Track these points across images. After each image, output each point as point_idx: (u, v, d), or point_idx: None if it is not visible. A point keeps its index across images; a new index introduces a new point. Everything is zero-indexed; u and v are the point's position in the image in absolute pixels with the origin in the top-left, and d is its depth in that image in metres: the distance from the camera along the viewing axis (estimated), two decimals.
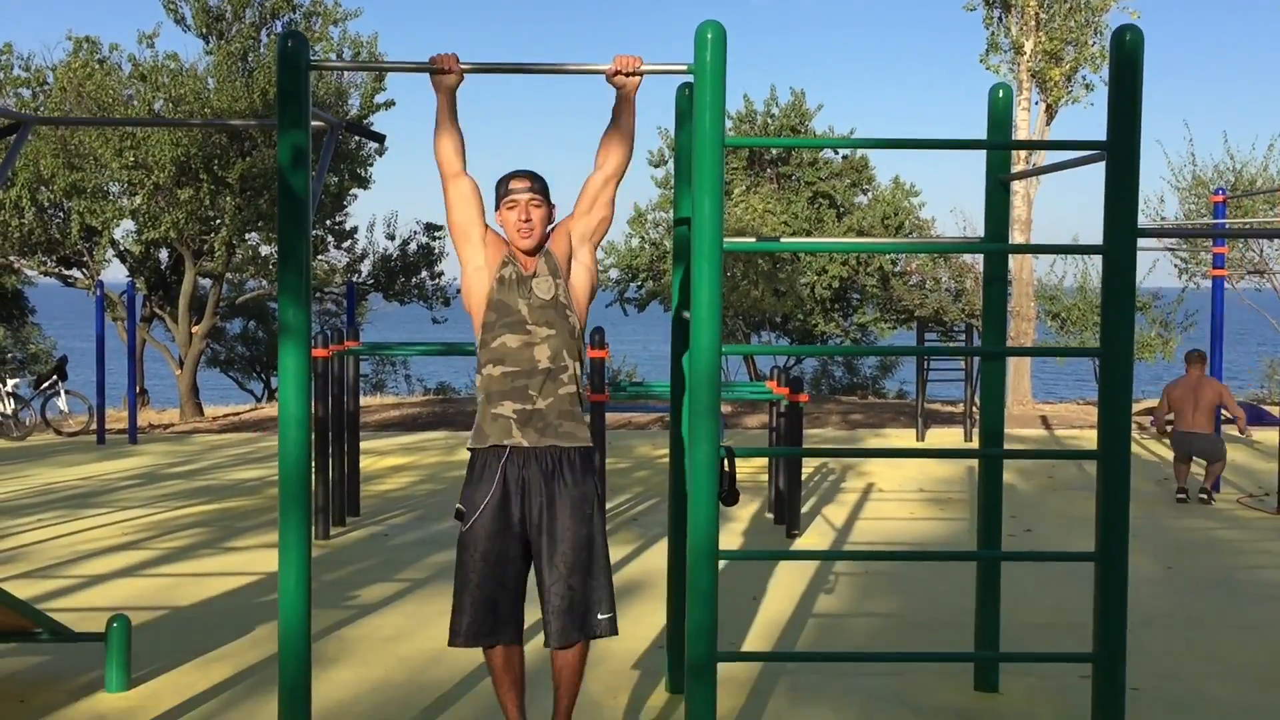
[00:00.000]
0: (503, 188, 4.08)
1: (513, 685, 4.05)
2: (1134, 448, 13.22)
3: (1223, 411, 10.54)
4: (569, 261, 4.09)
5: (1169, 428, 10.72)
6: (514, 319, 3.96)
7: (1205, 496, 10.07)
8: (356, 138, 18.94)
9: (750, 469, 11.33)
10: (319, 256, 21.19)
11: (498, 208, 4.08)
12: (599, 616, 3.94)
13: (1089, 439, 14.02)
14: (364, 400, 18.95)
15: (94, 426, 15.33)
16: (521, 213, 4.00)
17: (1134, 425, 15.46)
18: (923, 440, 14.50)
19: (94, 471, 12.16)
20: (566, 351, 3.98)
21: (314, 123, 4.29)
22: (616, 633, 3.99)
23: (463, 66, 4.03)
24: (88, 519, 9.29)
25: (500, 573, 3.93)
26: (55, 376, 16.92)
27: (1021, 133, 18.58)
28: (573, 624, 3.90)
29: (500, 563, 3.92)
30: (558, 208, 4.16)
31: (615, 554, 8.00)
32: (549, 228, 4.11)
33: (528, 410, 3.93)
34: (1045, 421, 16.70)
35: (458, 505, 3.97)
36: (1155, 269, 22.13)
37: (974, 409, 14.16)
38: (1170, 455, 11.02)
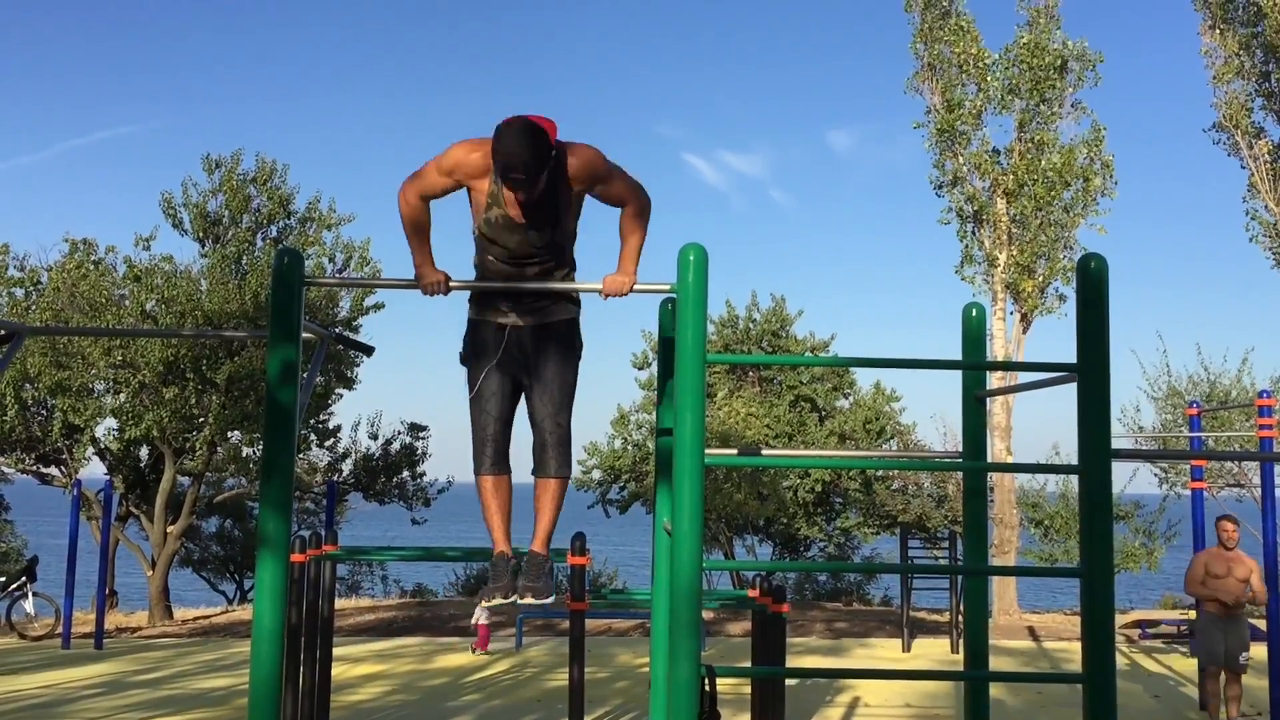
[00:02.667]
0: (499, 164, 4.08)
1: (500, 508, 4.51)
2: (1123, 662, 13.03)
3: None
4: (572, 204, 4.36)
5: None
6: (504, 251, 4.37)
7: None
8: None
9: (733, 681, 11.05)
10: (300, 455, 21.14)
11: (494, 167, 4.17)
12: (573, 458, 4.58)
13: (1076, 651, 13.77)
14: (339, 603, 18.56)
15: (60, 630, 14.93)
16: (520, 197, 4.22)
17: (1121, 638, 15.24)
18: (908, 651, 14.22)
19: (56, 679, 11.77)
20: (555, 266, 4.48)
21: (304, 335, 4.38)
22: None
23: (451, 286, 4.19)
24: None
25: (493, 408, 4.48)
26: (24, 578, 16.57)
27: (998, 341, 18.98)
28: (560, 456, 4.50)
29: (495, 399, 4.48)
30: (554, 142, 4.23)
31: None
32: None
33: (521, 304, 4.49)
34: (1032, 632, 16.44)
35: (461, 352, 4.58)
36: (1136, 477, 22.30)
37: (960, 618, 13.96)
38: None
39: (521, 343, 4.53)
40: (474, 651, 13.77)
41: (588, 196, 4.43)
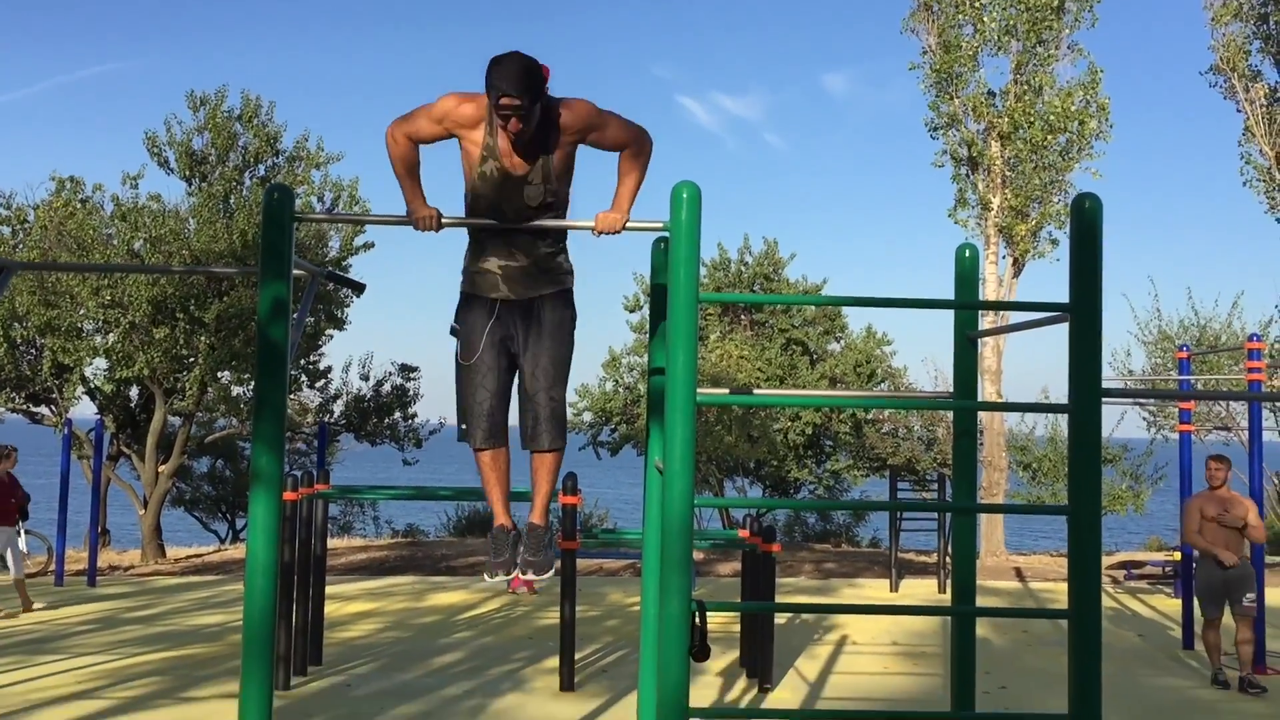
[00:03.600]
0: (493, 92, 4.07)
1: (499, 481, 4.53)
2: (1109, 602, 13.19)
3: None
4: (567, 162, 4.32)
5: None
6: (498, 213, 4.30)
7: (1254, 688, 8.54)
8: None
9: (723, 619, 11.17)
10: (291, 396, 21.11)
11: (489, 97, 4.10)
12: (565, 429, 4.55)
13: (1062, 592, 13.94)
14: (331, 543, 18.67)
15: (53, 568, 15.00)
16: (514, 126, 4.13)
17: (1107, 579, 15.39)
18: (896, 591, 14.39)
19: (50, 615, 11.85)
20: (548, 232, 4.41)
21: (295, 271, 4.35)
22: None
23: (444, 222, 4.16)
24: (41, 665, 9.02)
25: (489, 382, 4.44)
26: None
27: (990, 285, 18.98)
28: (555, 430, 4.46)
29: (489, 373, 4.44)
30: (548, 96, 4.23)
31: (584, 707, 7.84)
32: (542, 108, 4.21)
33: (512, 266, 4.39)
34: (1019, 573, 16.63)
35: (453, 324, 4.50)
36: (1124, 421, 22.43)
37: (948, 559, 14.10)
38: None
39: (513, 315, 4.48)
40: (512, 591, 13.57)
41: (584, 158, 4.41)
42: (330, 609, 11.29)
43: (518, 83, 4.01)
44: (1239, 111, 19.57)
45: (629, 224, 4.23)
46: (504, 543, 4.48)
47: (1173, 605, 12.96)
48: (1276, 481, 19.63)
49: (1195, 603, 9.28)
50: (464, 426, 4.58)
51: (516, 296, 4.43)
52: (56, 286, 17.28)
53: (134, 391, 20.28)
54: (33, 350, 18.91)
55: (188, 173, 18.84)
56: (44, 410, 19.92)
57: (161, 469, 19.34)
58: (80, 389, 19.09)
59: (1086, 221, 3.96)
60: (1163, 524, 30.33)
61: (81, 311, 17.50)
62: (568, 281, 4.54)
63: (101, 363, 18.56)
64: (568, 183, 4.40)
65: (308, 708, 7.72)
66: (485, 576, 4.55)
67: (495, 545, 4.48)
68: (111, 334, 17.70)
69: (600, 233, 4.20)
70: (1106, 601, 13.15)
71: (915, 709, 7.99)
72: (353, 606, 12.49)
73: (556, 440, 4.50)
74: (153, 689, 8.23)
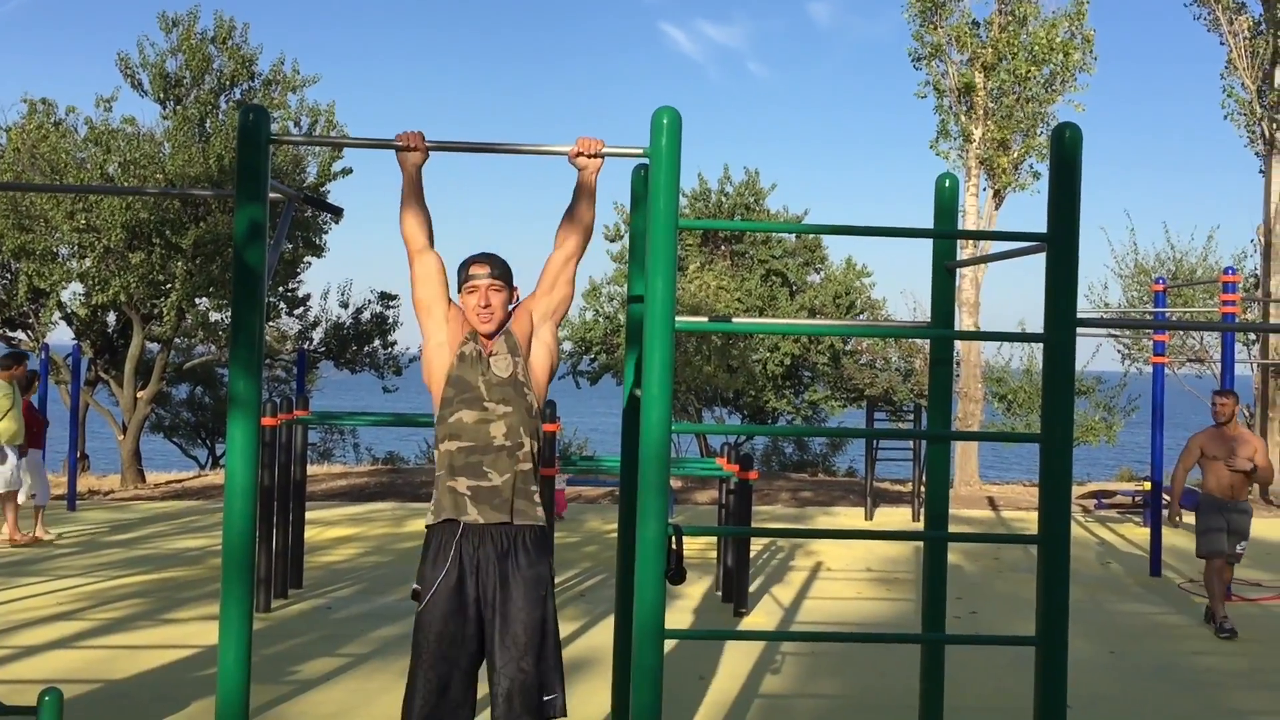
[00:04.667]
0: (464, 272, 4.11)
1: None
2: (1079, 531, 13.41)
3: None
4: (530, 340, 4.13)
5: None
6: (471, 395, 3.99)
7: (1225, 633, 8.22)
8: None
9: (699, 546, 11.32)
10: (270, 323, 21.04)
11: (460, 290, 4.11)
12: (545, 698, 3.90)
13: (1034, 520, 14.16)
14: (311, 469, 18.73)
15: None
16: (481, 298, 4.04)
17: (1078, 508, 15.61)
18: (871, 519, 14.58)
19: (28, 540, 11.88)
20: (523, 428, 4.00)
21: (272, 195, 4.32)
22: (565, 714, 3.93)
23: (427, 144, 4.11)
24: (22, 588, 9.07)
25: (454, 654, 3.88)
26: None
27: (970, 218, 18.98)
28: (524, 706, 3.84)
29: (454, 644, 3.88)
30: (519, 289, 4.19)
31: (562, 630, 7.94)
32: (511, 307, 4.16)
33: (483, 487, 3.94)
34: (992, 502, 16.86)
35: (414, 586, 3.97)
36: (1098, 354, 22.70)
37: (922, 489, 14.28)
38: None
39: (483, 561, 3.95)
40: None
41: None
42: (311, 534, 11.37)
43: (488, 258, 4.13)
44: (1222, 44, 19.48)
45: (608, 150, 4.20)
46: None
47: (1142, 534, 13.21)
48: (1247, 414, 19.89)
49: (1194, 539, 8.75)
50: (407, 699, 3.90)
51: (485, 520, 3.94)
52: (30, 210, 17.06)
53: (111, 317, 20.14)
54: (8, 274, 18.73)
55: (162, 95, 18.55)
56: (20, 335, 19.78)
57: (140, 395, 19.28)
58: (57, 314, 18.96)
59: (1066, 151, 3.97)
60: (1134, 455, 30.74)
61: (56, 236, 17.31)
62: (541, 518, 4.07)
63: (78, 287, 18.41)
64: (540, 364, 4.15)
65: (288, 629, 7.81)
66: None
67: None
68: (87, 259, 17.54)
69: (578, 154, 4.16)
70: (1076, 530, 13.37)
71: (887, 632, 8.15)
72: (333, 531, 12.58)
73: (527, 714, 3.86)
74: (134, 610, 8.30)
